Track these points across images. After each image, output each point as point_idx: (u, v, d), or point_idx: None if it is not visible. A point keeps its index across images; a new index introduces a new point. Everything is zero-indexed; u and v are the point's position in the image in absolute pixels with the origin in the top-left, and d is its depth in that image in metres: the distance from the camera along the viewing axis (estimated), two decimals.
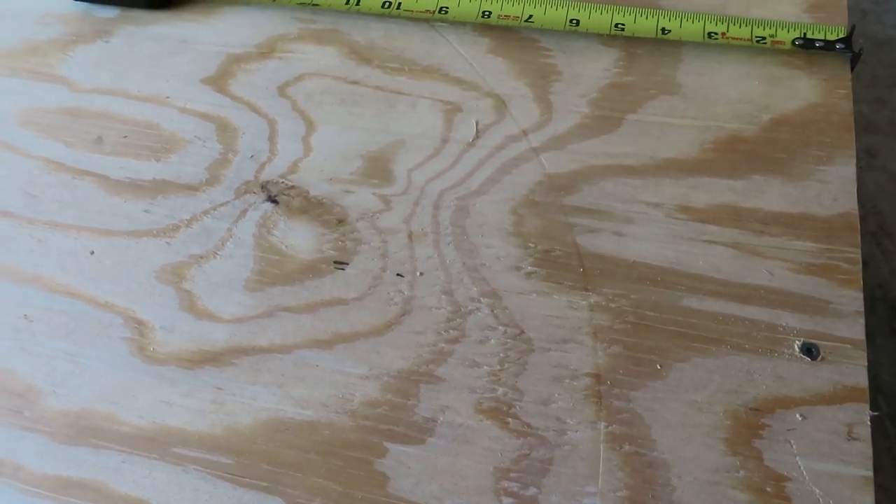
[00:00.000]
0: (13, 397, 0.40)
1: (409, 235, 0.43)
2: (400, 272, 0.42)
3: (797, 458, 0.35)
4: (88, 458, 0.37)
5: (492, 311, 0.40)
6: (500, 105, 0.47)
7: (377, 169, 0.46)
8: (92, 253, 0.44)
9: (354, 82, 0.49)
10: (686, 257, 0.41)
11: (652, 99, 0.46)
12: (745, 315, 0.39)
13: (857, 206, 0.41)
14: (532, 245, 0.42)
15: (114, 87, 0.51)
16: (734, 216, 0.42)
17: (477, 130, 0.46)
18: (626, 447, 0.36)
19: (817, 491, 0.34)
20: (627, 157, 0.44)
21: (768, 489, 0.34)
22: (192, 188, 0.46)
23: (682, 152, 0.44)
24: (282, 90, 0.50)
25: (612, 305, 0.40)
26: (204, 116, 0.49)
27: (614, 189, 0.43)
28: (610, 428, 0.36)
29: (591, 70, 0.48)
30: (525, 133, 0.46)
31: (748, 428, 0.36)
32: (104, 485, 0.37)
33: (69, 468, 0.37)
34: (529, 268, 0.41)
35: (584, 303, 0.40)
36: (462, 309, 0.40)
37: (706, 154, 0.44)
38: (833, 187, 0.41)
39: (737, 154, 0.44)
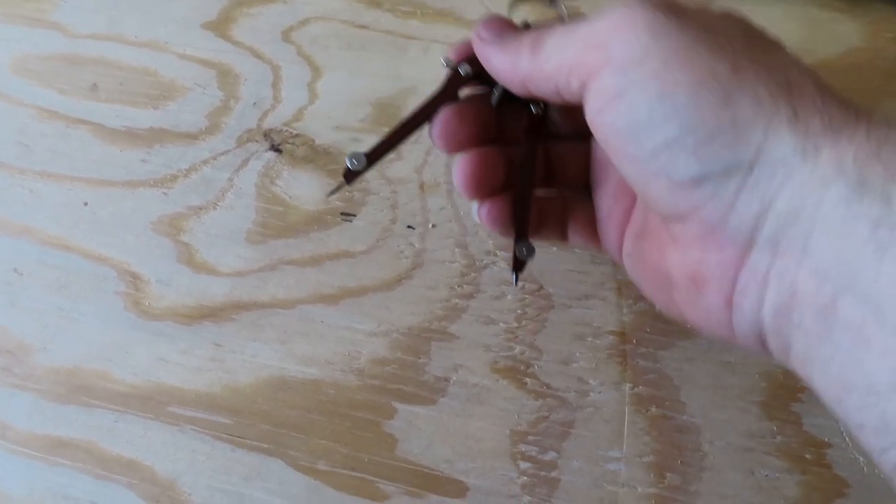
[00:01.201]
0: (2, 354, 0.37)
1: (421, 185, 0.40)
2: (411, 224, 0.39)
3: (839, 423, 0.32)
4: (80, 417, 0.35)
5: (508, 264, 0.37)
6: None
7: (387, 116, 0.43)
8: (86, 204, 0.42)
9: (363, 26, 0.46)
10: None
11: None
12: None
13: None
14: None
15: (110, 32, 0.48)
16: None
17: None
18: (653, 410, 0.33)
19: (861, 459, 0.31)
20: None
21: (807, 456, 0.31)
22: (191, 137, 0.43)
23: None
24: (286, 35, 0.47)
25: None
26: (204, 63, 0.46)
27: None
28: (636, 389, 0.33)
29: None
30: None
31: (786, 390, 0.33)
32: (95, 445, 0.34)
33: (59, 427, 0.35)
34: None
35: (607, 256, 0.37)
36: (477, 263, 0.37)
37: None
38: None
39: None
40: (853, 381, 0.20)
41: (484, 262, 0.37)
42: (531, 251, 0.30)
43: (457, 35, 0.44)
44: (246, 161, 0.42)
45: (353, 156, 0.30)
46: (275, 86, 0.45)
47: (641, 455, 0.32)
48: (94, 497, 0.33)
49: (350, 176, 0.31)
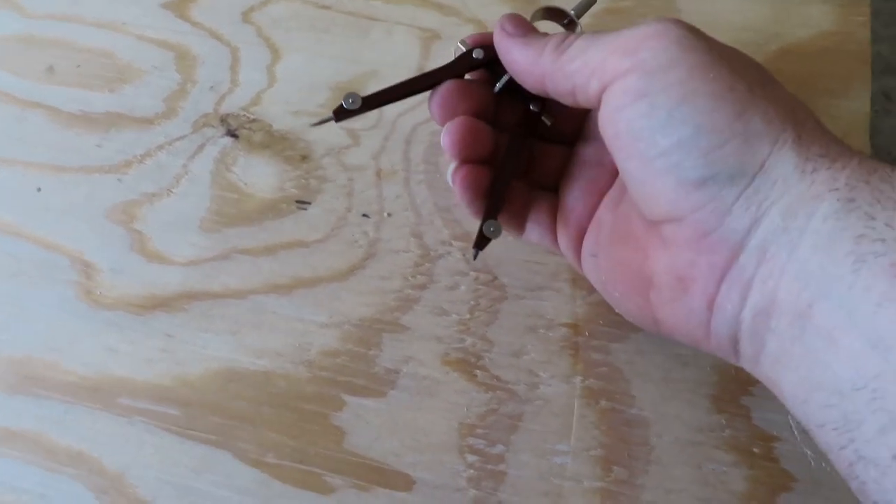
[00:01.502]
0: None
1: (378, 173, 0.39)
2: (366, 212, 0.38)
3: (789, 416, 0.31)
4: (29, 408, 0.35)
5: (464, 255, 0.37)
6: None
7: None
8: (39, 190, 0.41)
9: (325, 7, 0.45)
10: None
11: None
12: None
13: (869, 146, 0.37)
14: None
15: (68, 13, 0.47)
16: None
17: None
18: (603, 403, 0.33)
19: (809, 453, 0.31)
20: None
21: (755, 450, 0.31)
22: (146, 121, 0.43)
23: None
24: (246, 16, 0.46)
25: None
26: (162, 44, 0.45)
27: None
28: (586, 382, 0.33)
29: None
30: None
31: (736, 384, 0.32)
32: (45, 436, 0.34)
33: (8, 418, 0.35)
34: None
35: (560, 254, 0.36)
36: (432, 253, 0.37)
37: None
38: (844, 123, 0.37)
39: None
40: (820, 382, 0.22)
41: (438, 252, 0.37)
42: (499, 230, 0.30)
43: (423, 17, 0.43)
44: (201, 147, 0.42)
45: (350, 95, 0.32)
46: (233, 68, 0.44)
47: (589, 448, 0.32)
48: (43, 489, 0.33)
49: (341, 114, 0.32)
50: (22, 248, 0.39)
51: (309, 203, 0.39)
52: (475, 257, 0.31)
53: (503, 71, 0.32)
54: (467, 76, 0.33)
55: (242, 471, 0.33)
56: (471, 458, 0.32)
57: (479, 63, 0.33)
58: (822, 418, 0.22)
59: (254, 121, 0.42)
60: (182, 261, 0.38)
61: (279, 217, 0.39)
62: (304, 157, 0.40)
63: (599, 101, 0.27)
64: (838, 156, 0.23)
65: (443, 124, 0.32)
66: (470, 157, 0.31)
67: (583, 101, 0.28)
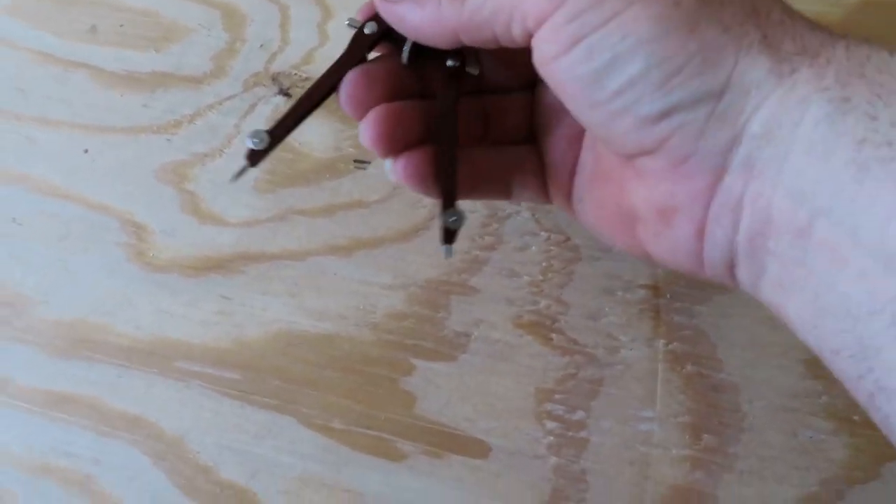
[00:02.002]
0: (1, 306, 0.36)
1: None
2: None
3: None
4: (82, 372, 0.33)
5: (533, 214, 0.35)
6: None
7: None
8: (86, 151, 0.39)
9: None
10: None
11: None
12: None
13: None
14: None
15: None
16: None
17: None
18: (689, 368, 0.31)
19: None
20: None
21: (855, 417, 0.29)
22: (195, 81, 0.41)
23: None
24: None
25: None
26: (208, 2, 0.43)
27: None
28: (670, 346, 0.31)
29: None
30: None
31: None
32: (99, 400, 0.33)
33: (61, 382, 0.33)
34: None
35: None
36: (499, 212, 0.35)
37: None
38: None
39: None
40: (828, 306, 0.20)
41: (506, 211, 0.35)
42: (461, 218, 0.26)
43: None
44: (253, 106, 0.40)
45: (254, 134, 0.27)
46: (283, 27, 0.42)
47: (676, 415, 0.30)
48: (97, 454, 0.32)
49: (254, 157, 0.27)
50: (70, 211, 0.38)
51: (368, 162, 0.37)
52: (448, 255, 0.27)
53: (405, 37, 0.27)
54: (371, 56, 0.28)
55: (307, 436, 0.31)
56: (550, 424, 0.30)
57: (376, 38, 0.28)
58: (835, 344, 0.20)
59: (306, 79, 0.40)
60: (236, 222, 0.36)
61: (336, 177, 0.37)
62: None
63: (529, 46, 0.23)
64: (819, 48, 0.20)
65: (360, 118, 0.28)
66: (401, 146, 0.27)
67: (510, 45, 0.24)
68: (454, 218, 0.26)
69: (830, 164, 0.19)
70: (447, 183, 0.26)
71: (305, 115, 0.28)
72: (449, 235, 0.26)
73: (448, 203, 0.26)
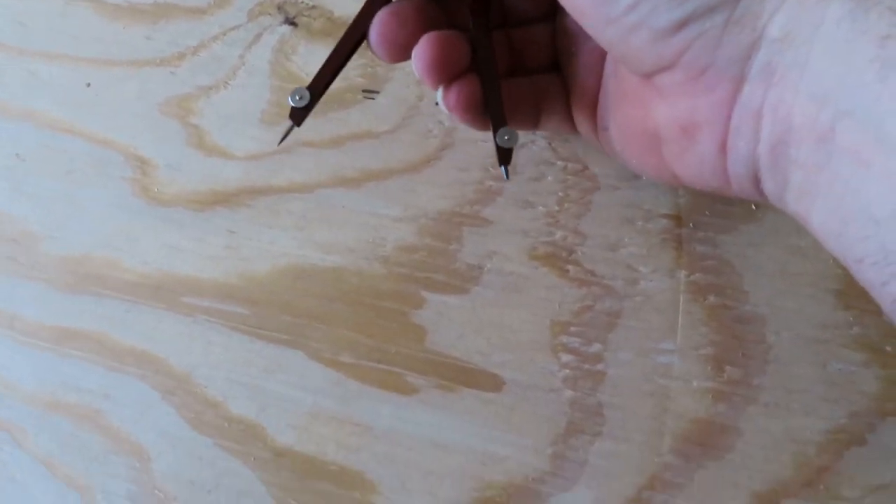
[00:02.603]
0: (7, 243, 0.34)
1: None
2: (439, 100, 0.34)
3: None
4: (89, 308, 0.32)
5: (549, 143, 0.33)
6: None
7: None
8: (88, 85, 0.38)
9: None
10: None
11: None
12: None
13: None
14: None
15: None
16: None
17: None
18: (712, 299, 0.29)
19: None
20: None
21: (888, 348, 0.27)
22: (198, 12, 0.39)
23: None
24: None
25: None
26: None
27: None
28: (692, 277, 0.29)
29: None
30: None
31: None
32: (107, 335, 0.32)
33: (69, 318, 0.32)
34: None
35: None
36: None
37: None
38: None
39: None
40: (852, 211, 0.19)
41: (522, 140, 0.33)
42: (515, 137, 0.26)
43: None
44: (258, 36, 0.38)
45: (296, 92, 0.27)
46: None
47: (698, 347, 0.28)
48: (107, 389, 0.31)
49: (297, 115, 0.28)
50: (74, 145, 0.37)
51: (377, 92, 0.35)
52: (507, 176, 0.27)
53: None
54: None
55: (316, 370, 0.30)
56: (565, 357, 0.29)
57: None
58: (859, 252, 0.19)
59: (313, 7, 0.38)
60: (243, 155, 0.35)
61: (345, 108, 0.35)
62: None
63: None
64: None
65: (394, 62, 0.28)
66: (451, 74, 0.27)
67: None
68: (508, 136, 0.26)
69: (853, 63, 0.18)
70: (495, 106, 0.26)
71: (341, 67, 0.28)
72: (505, 155, 0.26)
73: (499, 123, 0.26)
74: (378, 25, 0.27)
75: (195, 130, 0.36)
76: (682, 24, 0.21)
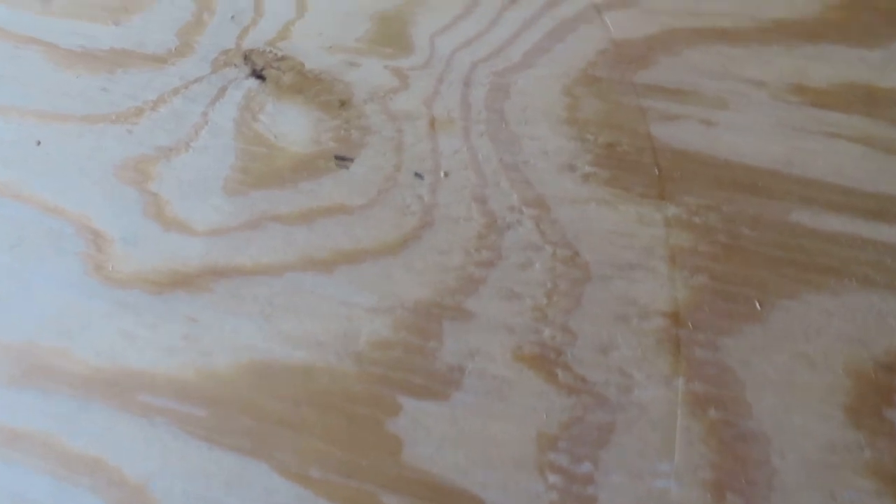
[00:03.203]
0: None
1: (432, 122, 0.32)
2: (419, 171, 0.31)
3: None
4: (37, 405, 0.29)
5: (537, 224, 0.29)
6: None
7: (391, 33, 0.34)
8: (38, 143, 0.34)
9: None
10: (798, 155, 0.29)
11: None
12: (877, 237, 0.28)
13: None
14: (591, 137, 0.30)
15: None
16: (866, 99, 0.30)
17: None
18: (712, 413, 0.26)
19: None
20: (721, 16, 0.32)
21: None
22: (158, 60, 0.35)
23: (796, 9, 0.31)
24: None
25: (697, 220, 0.28)
26: None
27: (703, 61, 0.31)
28: (691, 386, 0.26)
29: None
30: None
31: (878, 391, 0.25)
32: (55, 438, 0.29)
33: (12, 417, 0.29)
34: (587, 167, 0.30)
35: (658, 216, 0.29)
36: (498, 221, 0.29)
37: (831, 12, 0.31)
38: None
39: (874, 12, 0.31)
40: None
41: (506, 220, 0.30)
42: None
43: None
44: (223, 91, 0.34)
45: None
46: None
47: (696, 469, 0.25)
48: (55, 500, 0.28)
49: None
50: (22, 213, 0.33)
51: (351, 160, 0.32)
52: None
53: None
54: None
55: (281, 486, 0.27)
56: (552, 477, 0.26)
57: None
58: None
59: (282, 58, 0.34)
60: (204, 229, 0.31)
61: (316, 176, 0.32)
62: (343, 103, 0.33)
63: None
64: None
65: None
66: None
67: None
68: None
69: None
70: None
71: None
72: None
73: None
74: None
75: (153, 199, 0.32)
76: None
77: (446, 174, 0.32)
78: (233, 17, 0.37)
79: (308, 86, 0.35)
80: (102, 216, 0.34)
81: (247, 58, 0.36)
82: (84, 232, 0.33)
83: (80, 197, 0.34)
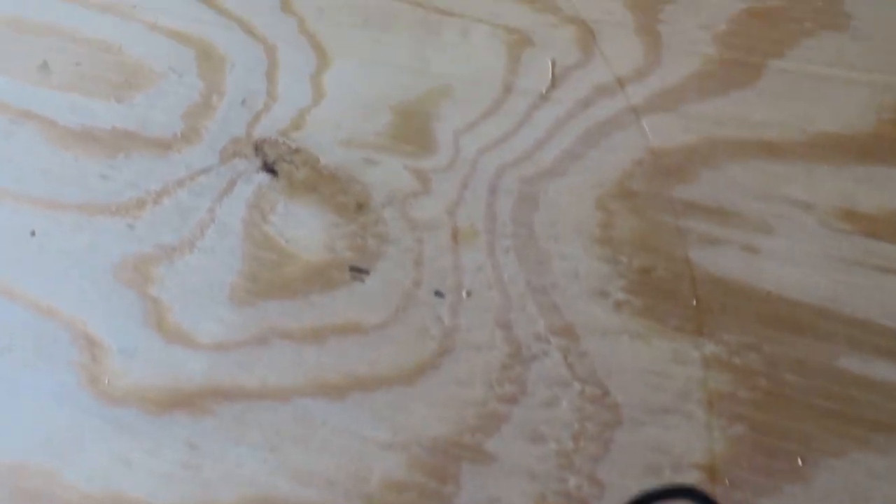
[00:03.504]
0: None
1: (454, 234, 0.29)
2: (439, 289, 0.29)
3: None
4: None
5: (565, 357, 0.27)
6: (587, 37, 0.32)
7: (412, 129, 0.31)
8: (33, 234, 0.32)
9: None
10: (846, 291, 0.27)
11: (808, 36, 0.30)
12: None
13: None
14: (625, 259, 0.28)
15: None
16: None
17: (553, 76, 0.31)
18: None
19: None
20: (768, 126, 0.29)
21: None
22: (162, 145, 0.33)
23: (849, 124, 0.29)
24: (286, 2, 0.34)
25: (737, 361, 0.26)
26: (181, 38, 0.34)
27: (746, 177, 0.29)
28: None
29: None
30: (621, 83, 0.31)
31: None
32: None
33: None
34: (620, 294, 0.28)
35: (696, 354, 0.26)
36: (524, 351, 0.27)
37: (886, 128, 0.29)
38: None
39: None
40: None
41: (532, 350, 0.27)
42: None
43: (508, 12, 0.32)
44: (232, 184, 0.32)
45: None
46: (269, 76, 0.33)
47: None
48: None
49: None
50: (13, 313, 0.31)
51: (367, 271, 0.29)
52: None
53: None
54: None
55: None
56: None
57: None
58: None
59: (296, 151, 0.32)
60: (208, 342, 0.29)
61: (329, 288, 0.29)
62: (361, 206, 0.30)
63: None
64: None
65: None
66: None
67: None
68: None
69: None
70: None
71: None
72: None
73: None
74: None
75: (154, 305, 0.30)
76: None
77: (468, 294, 0.30)
78: (244, 100, 0.34)
79: (323, 184, 0.32)
80: (99, 321, 0.31)
81: (258, 149, 0.33)
82: (79, 339, 0.31)
83: (75, 298, 0.32)
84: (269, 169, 0.33)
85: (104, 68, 0.36)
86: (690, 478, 0.27)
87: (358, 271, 0.31)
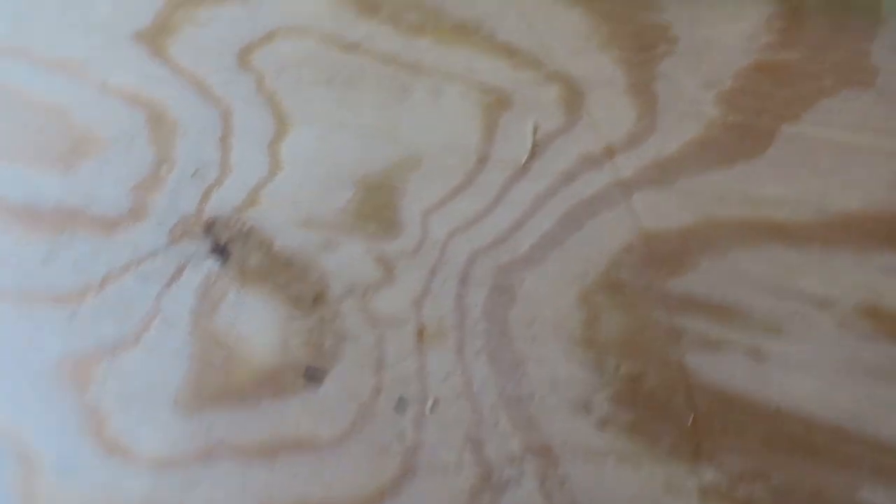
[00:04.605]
0: None
1: (420, 332, 0.25)
2: (403, 396, 0.24)
3: None
4: None
5: (542, 483, 0.23)
6: (573, 97, 0.27)
7: (376, 205, 0.27)
8: None
9: (351, 46, 0.29)
10: (870, 407, 0.22)
11: (827, 96, 0.25)
12: None
13: None
14: (611, 365, 0.24)
15: (12, 42, 0.32)
16: None
17: (534, 142, 0.26)
18: None
19: None
20: (777, 203, 0.24)
21: None
22: (108, 225, 0.29)
23: (875, 202, 0.24)
24: (244, 57, 0.30)
25: (740, 493, 0.22)
26: (132, 99, 0.31)
27: (752, 266, 0.24)
28: None
29: (727, 37, 0.26)
30: (610, 152, 0.26)
31: None
32: None
33: None
34: (605, 407, 0.23)
35: (691, 483, 0.22)
36: (495, 475, 0.23)
37: None
38: None
39: None
40: None
41: (505, 474, 0.23)
42: None
43: (484, 68, 0.27)
44: (180, 270, 0.28)
45: None
46: (224, 142, 0.29)
47: None
48: None
49: None
50: None
51: (323, 374, 0.25)
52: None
53: None
54: None
55: None
56: None
57: None
58: None
59: (249, 232, 0.28)
60: (150, 457, 0.25)
61: (282, 395, 0.25)
62: (318, 298, 0.26)
63: None
64: None
65: None
66: None
67: None
68: None
69: None
70: None
71: None
72: None
73: None
74: None
75: (93, 412, 0.27)
76: None
77: (435, 403, 0.25)
78: (196, 171, 0.30)
79: (277, 271, 0.28)
80: (36, 430, 0.28)
81: (209, 229, 0.29)
82: (14, 451, 0.27)
83: (10, 403, 0.28)
84: (221, 251, 0.29)
85: (50, 135, 0.32)
86: None
87: (313, 375, 0.27)
